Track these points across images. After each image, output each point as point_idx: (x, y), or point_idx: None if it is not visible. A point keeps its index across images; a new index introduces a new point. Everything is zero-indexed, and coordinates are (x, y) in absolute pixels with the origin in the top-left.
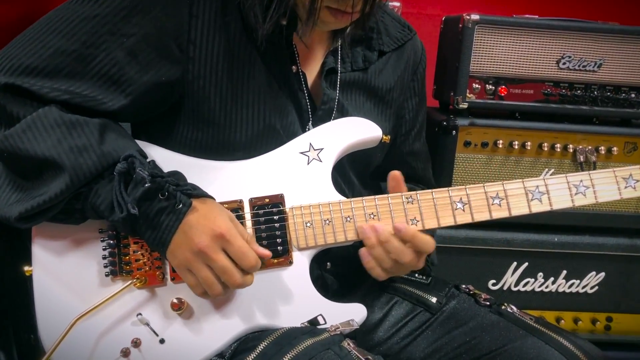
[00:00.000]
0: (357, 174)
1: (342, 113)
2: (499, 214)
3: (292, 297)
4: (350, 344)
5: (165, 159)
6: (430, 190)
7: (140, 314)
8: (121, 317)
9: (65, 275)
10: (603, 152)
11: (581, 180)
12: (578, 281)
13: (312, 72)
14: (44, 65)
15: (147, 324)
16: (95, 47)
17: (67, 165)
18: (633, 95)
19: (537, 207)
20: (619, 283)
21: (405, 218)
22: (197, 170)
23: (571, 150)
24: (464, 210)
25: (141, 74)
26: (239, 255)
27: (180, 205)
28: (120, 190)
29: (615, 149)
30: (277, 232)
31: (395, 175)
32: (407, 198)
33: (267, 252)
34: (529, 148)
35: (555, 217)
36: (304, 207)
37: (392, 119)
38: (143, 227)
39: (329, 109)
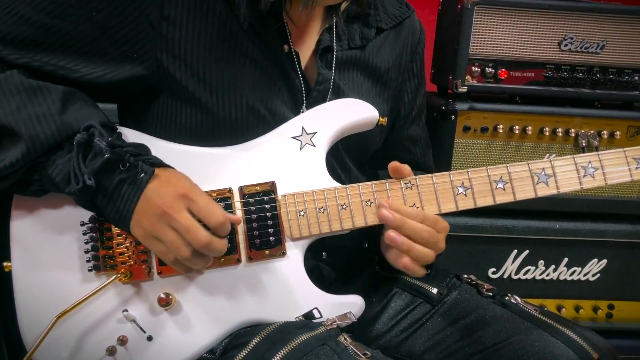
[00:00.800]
0: (354, 159)
1: (338, 94)
2: (503, 198)
3: (286, 289)
4: (347, 339)
5: (148, 145)
6: (430, 175)
7: (126, 310)
8: (106, 314)
9: (46, 271)
10: (606, 136)
11: (590, 162)
12: (580, 269)
13: (306, 52)
14: (6, 32)
15: (134, 321)
16: (62, 18)
17: (24, 133)
18: (636, 78)
19: (544, 191)
20: (621, 270)
21: (405, 204)
22: (182, 157)
23: (573, 135)
24: (465, 195)
25: (112, 49)
26: (203, 212)
27: (142, 175)
28: (78, 161)
29: (618, 133)
30: (269, 222)
31: (395, 166)
32: (405, 183)
33: (237, 217)
34: (529, 133)
35: (556, 204)
36: (297, 194)
37: (391, 101)
38: (104, 201)
39: (324, 89)
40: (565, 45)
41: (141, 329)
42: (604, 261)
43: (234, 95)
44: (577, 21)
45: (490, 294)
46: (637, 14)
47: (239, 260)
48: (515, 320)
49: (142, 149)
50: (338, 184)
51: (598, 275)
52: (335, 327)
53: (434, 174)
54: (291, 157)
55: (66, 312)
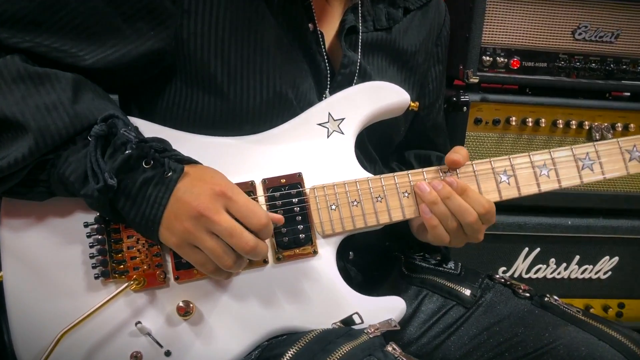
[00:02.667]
0: (378, 149)
1: (364, 79)
2: (548, 186)
3: (319, 292)
4: (396, 348)
5: (159, 135)
6: (470, 162)
7: (139, 322)
8: (116, 327)
9: (45, 281)
10: (620, 129)
11: (635, 146)
12: (591, 266)
13: (329, 32)
14: (2, 9)
15: (149, 334)
16: None
17: (32, 125)
18: None
19: (589, 177)
20: (633, 268)
21: None
22: (198, 148)
23: (587, 128)
24: (509, 183)
25: (125, 27)
26: (244, 212)
27: (170, 173)
28: (96, 157)
29: (632, 125)
30: (298, 218)
31: (452, 160)
32: (444, 172)
33: (279, 216)
34: (543, 125)
35: (568, 199)
36: (327, 186)
37: (417, 88)
38: (126, 205)
39: (350, 73)
40: (580, 34)
41: (157, 343)
42: (616, 258)
43: (259, 77)
44: (592, 9)
45: (528, 294)
46: None
47: (265, 261)
48: (557, 323)
49: (167, 144)
50: (370, 174)
51: (609, 273)
52: (378, 334)
53: (474, 161)
54: (318, 146)
55: (72, 327)
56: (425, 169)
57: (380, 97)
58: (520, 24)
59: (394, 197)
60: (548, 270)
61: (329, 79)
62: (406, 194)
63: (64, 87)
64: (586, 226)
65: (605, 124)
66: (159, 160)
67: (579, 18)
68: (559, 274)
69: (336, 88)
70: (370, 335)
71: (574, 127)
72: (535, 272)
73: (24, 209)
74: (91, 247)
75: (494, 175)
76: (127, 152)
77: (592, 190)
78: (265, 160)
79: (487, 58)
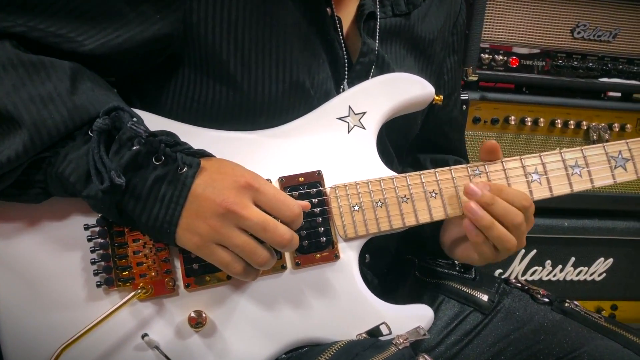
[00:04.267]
0: (395, 146)
1: (382, 69)
2: (581, 186)
3: (341, 300)
4: (428, 359)
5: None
6: (499, 160)
7: (146, 334)
8: (121, 341)
9: (40, 291)
10: (617, 129)
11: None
12: (586, 268)
13: (347, 18)
14: None
15: (157, 347)
16: None
17: (26, 119)
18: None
19: (622, 177)
20: (627, 269)
21: None
22: (209, 143)
23: (584, 128)
24: (540, 183)
25: (128, 10)
26: (275, 203)
27: (185, 169)
28: (100, 153)
29: (628, 126)
30: (319, 219)
31: (491, 147)
32: (473, 170)
33: (306, 203)
34: (541, 125)
35: (564, 200)
36: (349, 186)
37: (434, 78)
38: (137, 207)
39: (369, 62)
40: (578, 32)
41: (166, 357)
42: (610, 260)
43: (275, 64)
44: (591, 7)
45: (547, 299)
46: None
47: (284, 267)
48: (580, 329)
49: (176, 137)
50: (394, 173)
51: (604, 275)
52: (407, 345)
53: (503, 159)
54: (338, 142)
55: (73, 341)
56: (452, 167)
57: (403, 89)
58: (520, 21)
59: (421, 197)
60: (544, 273)
61: (346, 68)
62: (433, 194)
63: (60, 76)
64: (582, 227)
65: (603, 124)
66: (170, 155)
67: (577, 16)
68: (554, 276)
69: (354, 79)
70: (400, 347)
71: (572, 127)
72: (532, 274)
73: (16, 212)
74: (92, 251)
75: (525, 175)
76: (134, 147)
77: (588, 191)
78: (281, 157)
79: (486, 56)
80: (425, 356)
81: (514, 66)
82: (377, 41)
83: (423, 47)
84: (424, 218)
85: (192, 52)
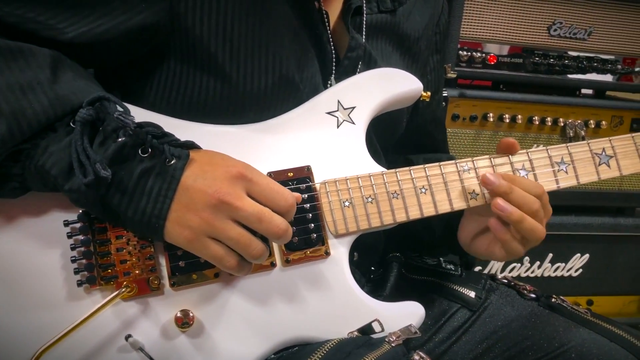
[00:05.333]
0: (382, 143)
1: (369, 65)
2: (567, 182)
3: (332, 298)
4: (424, 357)
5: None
6: (487, 156)
7: (130, 335)
8: (104, 342)
9: (17, 291)
10: (592, 126)
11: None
12: (563, 264)
13: (333, 12)
14: None
15: (141, 349)
16: None
17: (4, 108)
18: (619, 67)
19: (606, 174)
20: (602, 264)
21: (463, 191)
22: (195, 137)
23: (561, 124)
24: (528, 178)
25: None
26: (269, 193)
27: (174, 161)
28: (83, 145)
29: (603, 122)
30: (308, 215)
31: (508, 143)
32: (461, 166)
33: (298, 195)
34: (519, 122)
35: None
36: (339, 181)
37: (418, 77)
38: (123, 202)
39: (356, 57)
40: (555, 30)
41: (151, 359)
42: (587, 256)
43: (265, 57)
44: (566, 5)
45: (534, 295)
46: (623, 1)
47: (273, 264)
48: (567, 324)
49: (162, 129)
50: (383, 168)
51: (580, 270)
52: (400, 342)
53: (491, 155)
54: (327, 137)
55: (53, 343)
56: (442, 163)
57: (392, 84)
58: (498, 18)
59: (411, 193)
60: (522, 269)
61: (334, 63)
62: (423, 190)
63: (40, 63)
64: (559, 224)
65: (579, 121)
66: (157, 147)
67: (554, 14)
68: (532, 272)
69: (342, 74)
70: (393, 344)
71: (549, 124)
72: (510, 271)
73: None
74: (73, 249)
75: (513, 171)
76: (120, 139)
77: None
78: (270, 151)
79: (464, 53)
80: (420, 353)
81: (492, 63)
82: (363, 37)
83: (409, 44)
84: (414, 214)
85: (178, 43)
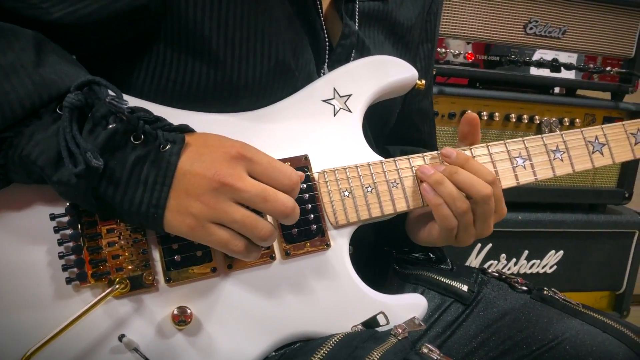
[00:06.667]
0: (374, 133)
1: (362, 53)
2: (563, 170)
3: (334, 291)
4: (434, 350)
5: None
6: (484, 145)
7: (123, 335)
8: (96, 343)
9: (3, 288)
10: (567, 123)
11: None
12: (539, 261)
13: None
14: None
15: (136, 349)
16: None
17: None
18: (591, 65)
19: (600, 161)
20: (576, 261)
21: None
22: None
23: (537, 122)
24: (525, 167)
25: None
26: (271, 172)
27: (169, 146)
28: (72, 132)
29: (577, 120)
30: (308, 206)
31: (471, 118)
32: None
33: (300, 173)
34: (496, 119)
35: (518, 194)
36: (337, 170)
37: None
38: (117, 194)
39: (350, 45)
40: (531, 28)
41: (146, 359)
42: (561, 252)
43: (261, 42)
44: (541, 3)
45: (525, 288)
46: (596, 1)
47: (272, 257)
48: (560, 316)
49: (152, 114)
50: (381, 157)
51: (555, 267)
52: (407, 335)
53: (489, 144)
54: (324, 125)
55: (44, 344)
56: (442, 151)
57: (388, 72)
58: (476, 16)
59: (410, 183)
60: (499, 266)
61: (327, 51)
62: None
63: (24, 45)
64: (534, 221)
65: (554, 119)
66: (150, 133)
67: (530, 12)
68: (509, 269)
69: (335, 62)
70: (399, 337)
71: (525, 121)
72: (488, 268)
73: None
74: (60, 244)
75: (510, 159)
76: (110, 126)
77: (540, 184)
78: (266, 140)
79: (442, 50)
80: (429, 345)
81: (470, 60)
82: (356, 24)
83: (401, 33)
84: (415, 203)
85: (169, 26)
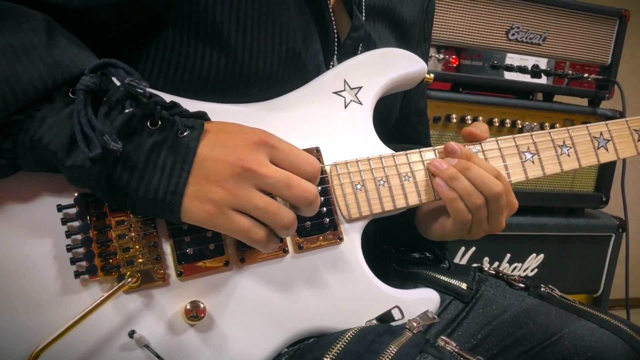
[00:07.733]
0: (377, 127)
1: (369, 46)
2: (569, 165)
3: (347, 286)
4: (450, 342)
5: None
6: (494, 139)
7: (133, 331)
8: (105, 339)
9: (6, 286)
10: (547, 127)
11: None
12: (520, 264)
13: None
14: None
15: (146, 346)
16: None
17: None
18: (570, 72)
19: (605, 157)
20: (556, 264)
21: None
22: None
23: (519, 127)
24: (533, 162)
25: None
26: (293, 159)
27: (187, 132)
28: (87, 116)
29: (557, 125)
30: (320, 199)
31: (469, 131)
32: (470, 148)
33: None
34: None
35: None
36: (350, 163)
37: None
38: (133, 180)
39: (359, 38)
40: (513, 34)
41: (158, 356)
42: (542, 256)
43: (272, 30)
44: (522, 10)
45: (523, 285)
46: (574, 9)
47: (285, 251)
48: (558, 312)
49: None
50: (392, 150)
51: (536, 270)
52: (422, 329)
53: (498, 138)
54: (335, 117)
55: (52, 341)
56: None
57: (397, 64)
58: (459, 21)
59: (422, 176)
60: None
61: (336, 43)
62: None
63: (34, 26)
64: (517, 224)
65: (535, 124)
66: (168, 119)
67: (512, 19)
68: None
69: (343, 54)
70: (414, 331)
71: (508, 125)
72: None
73: None
74: (68, 236)
75: (519, 154)
76: (127, 110)
77: (521, 188)
78: (277, 132)
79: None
80: (445, 338)
81: (454, 65)
82: (363, 18)
83: (404, 29)
84: (427, 197)
85: (179, 11)
